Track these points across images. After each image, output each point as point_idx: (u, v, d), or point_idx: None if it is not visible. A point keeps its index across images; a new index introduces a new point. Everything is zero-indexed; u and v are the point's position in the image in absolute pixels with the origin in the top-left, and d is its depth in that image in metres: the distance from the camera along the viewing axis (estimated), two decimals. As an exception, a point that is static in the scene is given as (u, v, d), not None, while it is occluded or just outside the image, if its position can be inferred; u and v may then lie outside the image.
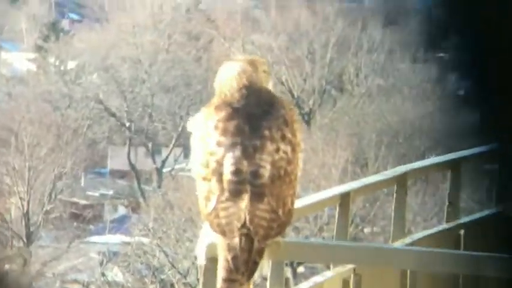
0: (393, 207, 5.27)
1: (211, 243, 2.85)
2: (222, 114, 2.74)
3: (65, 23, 35.81)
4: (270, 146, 2.73)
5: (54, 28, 34.00)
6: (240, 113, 2.74)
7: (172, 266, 23.26)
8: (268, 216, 2.73)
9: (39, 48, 33.18)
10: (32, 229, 25.83)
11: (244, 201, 2.72)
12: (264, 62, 2.88)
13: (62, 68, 31.81)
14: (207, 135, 2.74)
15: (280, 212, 2.77)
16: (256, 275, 2.81)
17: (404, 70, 28.82)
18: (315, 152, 22.98)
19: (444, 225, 5.31)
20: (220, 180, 2.72)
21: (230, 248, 2.72)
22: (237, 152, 2.71)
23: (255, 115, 2.75)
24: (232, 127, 2.73)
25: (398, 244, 4.97)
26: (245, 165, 2.71)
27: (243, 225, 2.73)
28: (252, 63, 2.83)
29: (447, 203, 5.26)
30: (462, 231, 5.10)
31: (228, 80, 2.82)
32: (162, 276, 23.53)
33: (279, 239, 2.89)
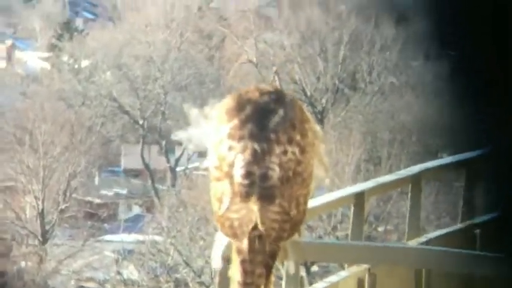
0: (408, 206, 5.27)
1: (226, 243, 2.87)
2: (235, 122, 2.79)
3: (78, 22, 35.96)
4: (277, 149, 2.76)
5: (67, 27, 34.14)
6: (251, 118, 2.78)
7: (187, 264, 23.30)
8: (280, 218, 2.74)
9: (53, 47, 33.33)
10: (47, 227, 25.93)
11: (255, 204, 2.73)
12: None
13: (76, 66, 31.95)
14: (220, 141, 2.79)
15: (294, 212, 2.77)
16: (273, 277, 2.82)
17: (417, 68, 28.73)
18: (328, 151, 22.95)
19: (459, 225, 5.31)
20: (232, 183, 2.76)
21: (240, 251, 2.74)
22: (247, 155, 2.75)
23: (264, 118, 2.78)
24: (243, 133, 2.77)
25: (413, 243, 4.98)
26: (255, 169, 2.74)
27: (255, 228, 2.74)
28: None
29: (462, 203, 5.26)
30: (478, 231, 5.10)
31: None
32: (177, 275, 23.58)
33: (298, 238, 2.90)
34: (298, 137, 2.80)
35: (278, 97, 2.84)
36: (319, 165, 2.89)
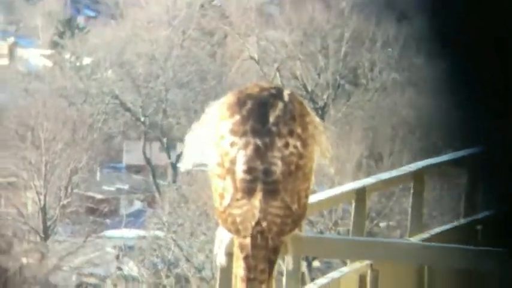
0: (410, 203, 5.27)
1: (229, 239, 2.86)
2: (236, 117, 2.78)
3: (80, 20, 35.95)
4: (278, 142, 2.76)
5: (69, 24, 34.15)
6: (252, 113, 2.78)
7: (187, 259, 23.33)
8: (282, 213, 2.75)
9: (54, 45, 33.34)
10: (48, 223, 25.98)
11: (258, 200, 2.74)
12: None
13: (78, 64, 31.96)
14: (221, 137, 2.78)
15: (295, 207, 2.78)
16: (275, 272, 2.81)
17: (420, 64, 28.70)
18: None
19: (461, 221, 5.31)
20: (234, 179, 2.76)
21: (243, 247, 2.74)
22: (249, 151, 2.75)
23: (264, 112, 2.78)
24: (245, 129, 2.77)
25: (415, 239, 4.97)
26: (258, 164, 2.74)
27: (257, 223, 2.74)
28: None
29: (464, 199, 5.26)
30: (480, 227, 5.10)
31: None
32: (177, 270, 23.62)
33: (299, 233, 2.90)
34: (299, 130, 2.79)
35: (277, 92, 2.84)
36: (323, 155, 2.89)
